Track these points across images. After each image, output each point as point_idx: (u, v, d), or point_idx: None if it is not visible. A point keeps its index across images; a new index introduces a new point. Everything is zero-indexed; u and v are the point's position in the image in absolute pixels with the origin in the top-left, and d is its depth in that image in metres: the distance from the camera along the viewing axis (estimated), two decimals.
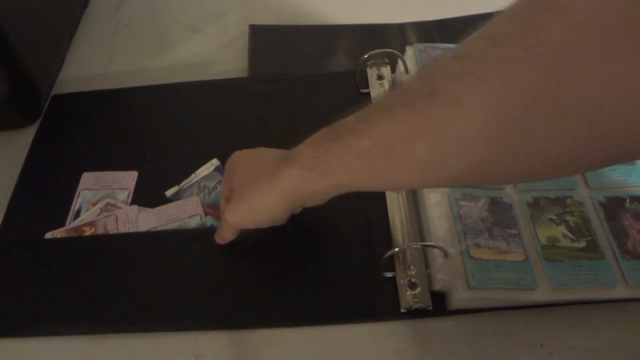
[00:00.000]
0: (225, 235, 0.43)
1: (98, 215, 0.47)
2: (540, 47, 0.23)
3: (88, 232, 0.46)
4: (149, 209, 0.47)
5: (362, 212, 0.46)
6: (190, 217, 0.46)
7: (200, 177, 0.49)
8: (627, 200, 0.43)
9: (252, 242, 0.44)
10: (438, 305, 0.40)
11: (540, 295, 0.38)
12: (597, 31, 0.21)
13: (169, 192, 0.48)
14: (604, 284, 0.39)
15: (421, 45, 0.53)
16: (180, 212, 0.47)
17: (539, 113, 0.23)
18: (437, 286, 0.40)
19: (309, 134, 0.36)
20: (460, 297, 0.38)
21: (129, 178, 0.50)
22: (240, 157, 0.43)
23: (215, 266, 0.43)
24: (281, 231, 0.44)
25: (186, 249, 0.44)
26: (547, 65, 0.23)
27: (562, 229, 0.41)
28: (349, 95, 0.54)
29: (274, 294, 0.42)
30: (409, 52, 0.53)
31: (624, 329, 0.40)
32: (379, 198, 0.46)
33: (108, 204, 0.48)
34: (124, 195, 0.49)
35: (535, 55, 0.23)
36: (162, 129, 0.54)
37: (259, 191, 0.37)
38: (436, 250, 0.40)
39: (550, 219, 0.42)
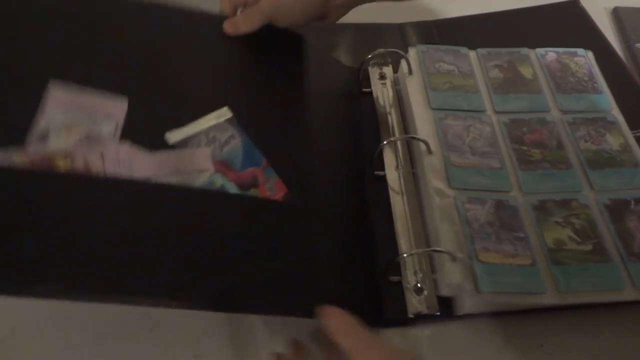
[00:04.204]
0: (243, 23, 0.43)
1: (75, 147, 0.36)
2: None
3: (62, 165, 0.34)
4: (146, 152, 0.37)
5: (366, 216, 0.45)
6: (197, 171, 0.37)
7: (208, 125, 0.40)
8: (632, 203, 0.43)
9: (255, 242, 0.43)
10: (444, 309, 0.40)
11: (549, 299, 0.38)
12: None
13: (171, 136, 0.38)
14: (611, 287, 0.39)
15: (424, 47, 0.53)
16: (186, 164, 0.37)
17: None
18: (445, 291, 0.40)
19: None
20: (469, 302, 0.38)
21: (116, 106, 0.37)
22: None
23: (221, 238, 0.36)
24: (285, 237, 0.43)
25: (189, 212, 0.36)
26: None
27: (569, 231, 0.41)
28: (350, 94, 0.53)
29: (276, 298, 0.41)
30: (412, 52, 0.53)
31: (623, 329, 0.40)
32: (383, 201, 0.46)
33: (89, 136, 0.35)
34: (110, 127, 0.36)
35: None
36: (165, 52, 0.43)
37: None
38: (444, 255, 0.40)
39: (557, 222, 0.41)
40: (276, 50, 0.48)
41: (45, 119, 0.35)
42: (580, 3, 0.63)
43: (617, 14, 0.63)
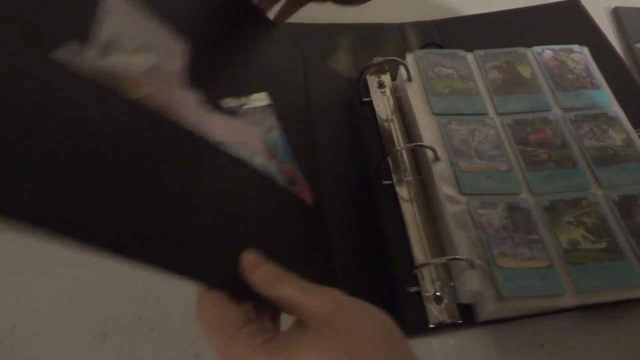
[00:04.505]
0: None
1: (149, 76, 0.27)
2: None
3: (139, 94, 0.27)
4: (216, 114, 0.31)
5: (376, 227, 0.45)
6: (253, 151, 0.32)
7: (255, 105, 0.36)
8: None
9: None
10: (464, 316, 0.40)
11: (568, 300, 0.38)
12: None
13: (227, 103, 0.33)
14: (628, 284, 0.39)
15: (421, 52, 0.52)
16: (244, 140, 0.32)
17: None
18: (465, 299, 0.40)
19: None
20: (491, 308, 0.38)
21: (178, 45, 0.30)
22: None
23: (266, 233, 0.32)
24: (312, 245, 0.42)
25: (251, 198, 0.31)
26: None
27: (582, 231, 0.41)
28: (351, 105, 0.53)
29: None
30: (410, 59, 0.52)
31: (624, 328, 0.41)
32: (394, 210, 0.45)
33: (159, 69, 0.27)
34: (176, 66, 0.29)
35: None
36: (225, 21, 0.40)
37: None
38: (461, 262, 0.39)
39: (569, 222, 0.42)
40: (277, 58, 0.48)
41: (106, 30, 0.27)
42: (580, 2, 0.63)
43: (617, 14, 0.63)
